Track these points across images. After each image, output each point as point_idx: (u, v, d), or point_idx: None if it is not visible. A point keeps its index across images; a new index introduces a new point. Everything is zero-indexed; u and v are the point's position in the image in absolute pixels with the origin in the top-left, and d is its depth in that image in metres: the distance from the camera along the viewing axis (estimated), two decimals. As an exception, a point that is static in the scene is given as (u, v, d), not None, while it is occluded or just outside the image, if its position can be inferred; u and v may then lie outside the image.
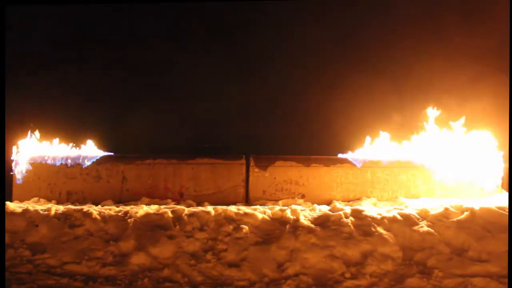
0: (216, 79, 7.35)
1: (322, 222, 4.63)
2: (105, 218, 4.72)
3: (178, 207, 4.95)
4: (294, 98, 7.30)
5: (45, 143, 6.10)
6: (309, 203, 5.37)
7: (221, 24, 7.41)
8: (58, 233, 4.56)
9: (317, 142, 6.12)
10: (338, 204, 5.15)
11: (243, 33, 7.31)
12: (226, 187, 5.77)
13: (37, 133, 6.11)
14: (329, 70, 7.29)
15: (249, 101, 7.04)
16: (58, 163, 5.81)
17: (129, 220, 4.70)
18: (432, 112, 6.03)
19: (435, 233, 4.44)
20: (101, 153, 5.97)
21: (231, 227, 4.58)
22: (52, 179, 5.80)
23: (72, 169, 5.80)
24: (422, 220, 4.62)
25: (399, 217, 4.64)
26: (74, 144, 6.09)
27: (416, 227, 4.53)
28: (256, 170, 5.78)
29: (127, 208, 5.00)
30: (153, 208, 4.92)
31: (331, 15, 7.30)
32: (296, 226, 4.55)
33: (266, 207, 5.01)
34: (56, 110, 7.08)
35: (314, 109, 7.19)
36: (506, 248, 3.81)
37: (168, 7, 7.35)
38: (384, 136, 6.08)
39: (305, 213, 4.82)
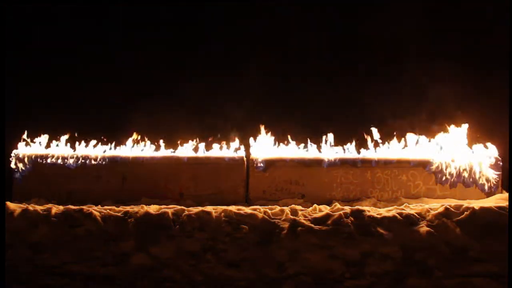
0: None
1: (322, 222, 4.63)
2: (105, 218, 4.73)
3: (178, 207, 4.95)
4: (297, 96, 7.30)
5: (45, 142, 6.10)
6: (309, 203, 5.36)
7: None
8: (58, 233, 4.56)
9: (318, 142, 6.11)
10: (338, 204, 5.15)
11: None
12: (226, 187, 5.77)
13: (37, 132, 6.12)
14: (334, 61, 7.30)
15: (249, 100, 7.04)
16: (58, 163, 5.81)
17: (129, 220, 4.71)
18: (432, 112, 6.04)
19: (435, 233, 4.45)
20: (101, 152, 5.96)
21: (231, 227, 4.58)
22: (52, 179, 5.79)
23: (72, 169, 5.80)
24: (422, 220, 4.63)
25: (399, 217, 4.64)
26: (75, 144, 6.09)
27: (416, 227, 4.54)
28: (256, 170, 5.78)
29: (127, 208, 5.00)
30: (153, 208, 4.93)
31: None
32: (296, 226, 4.55)
33: (266, 207, 5.02)
34: (56, 109, 7.07)
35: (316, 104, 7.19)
36: (506, 248, 3.81)
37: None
38: (385, 136, 6.09)
39: (305, 213, 4.83)
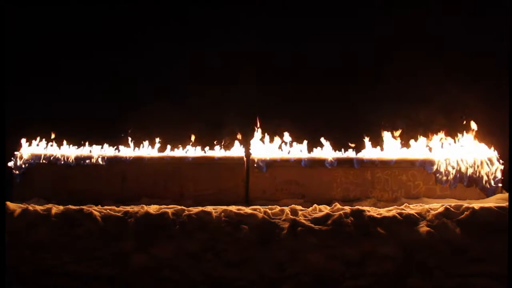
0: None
1: (322, 222, 4.62)
2: (105, 218, 4.72)
3: (178, 207, 4.94)
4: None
5: (45, 142, 6.11)
6: (309, 203, 5.36)
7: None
8: (58, 233, 4.56)
9: (318, 142, 6.11)
10: (338, 204, 5.15)
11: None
12: (226, 187, 5.77)
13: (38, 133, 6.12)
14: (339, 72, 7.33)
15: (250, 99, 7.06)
16: (58, 163, 5.81)
17: (129, 220, 4.70)
18: (432, 112, 6.04)
19: (435, 233, 4.44)
20: (101, 152, 5.96)
21: (231, 227, 4.58)
22: (52, 179, 5.80)
23: (72, 169, 5.80)
24: (422, 220, 4.62)
25: (399, 217, 4.64)
26: (75, 144, 6.09)
27: (416, 227, 4.53)
28: (256, 170, 5.78)
29: (127, 208, 4.99)
30: (153, 208, 4.92)
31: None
32: (296, 226, 4.55)
33: (266, 207, 5.01)
34: (57, 109, 7.08)
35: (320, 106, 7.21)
36: (506, 248, 3.81)
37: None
38: (384, 136, 6.09)
39: (305, 213, 4.82)
